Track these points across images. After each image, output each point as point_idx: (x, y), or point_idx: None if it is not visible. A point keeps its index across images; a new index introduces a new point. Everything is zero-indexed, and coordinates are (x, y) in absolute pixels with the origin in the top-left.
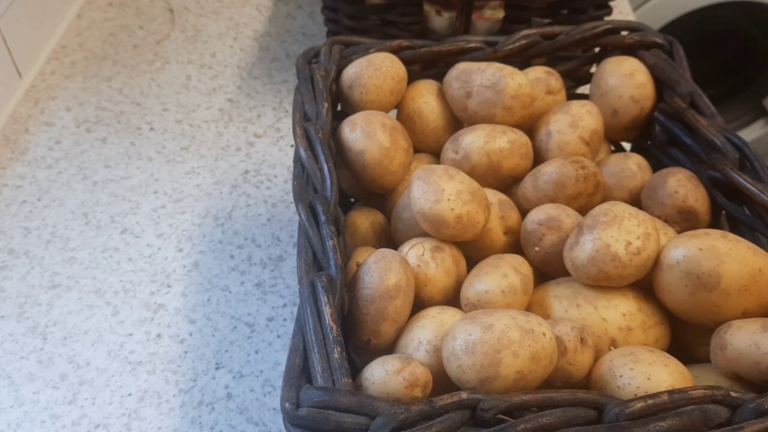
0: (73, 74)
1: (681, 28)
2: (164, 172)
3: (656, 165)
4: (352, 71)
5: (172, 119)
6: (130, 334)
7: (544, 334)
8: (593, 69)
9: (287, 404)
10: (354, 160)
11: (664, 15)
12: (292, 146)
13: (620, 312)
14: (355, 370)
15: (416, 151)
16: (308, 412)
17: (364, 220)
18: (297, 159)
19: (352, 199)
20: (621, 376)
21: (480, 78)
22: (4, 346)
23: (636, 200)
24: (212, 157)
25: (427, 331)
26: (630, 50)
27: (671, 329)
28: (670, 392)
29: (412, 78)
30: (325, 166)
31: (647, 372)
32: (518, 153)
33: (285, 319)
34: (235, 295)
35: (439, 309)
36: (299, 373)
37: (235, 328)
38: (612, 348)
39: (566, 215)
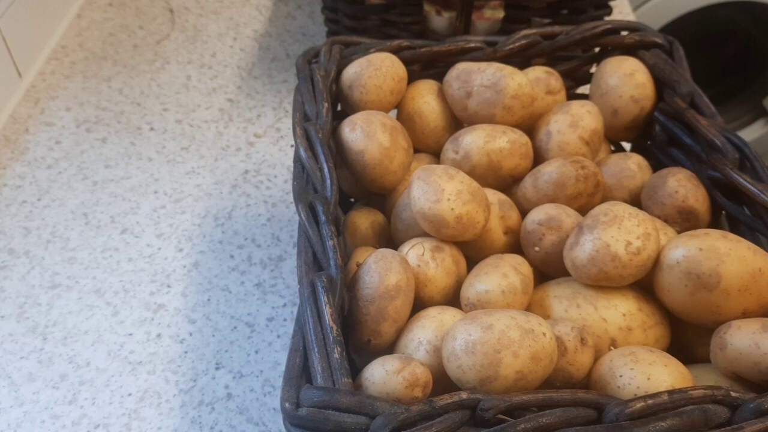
0: (73, 74)
1: (681, 28)
2: (164, 172)
3: (656, 165)
4: (352, 71)
5: (172, 119)
6: (130, 334)
7: (544, 334)
8: (593, 69)
9: (287, 404)
10: (354, 160)
11: (664, 15)
12: (292, 146)
13: (620, 312)
14: (355, 370)
15: (416, 151)
16: (308, 412)
17: (364, 220)
18: (297, 159)
19: (352, 199)
20: (621, 376)
21: (480, 78)
22: (4, 346)
23: (636, 200)
24: (212, 157)
25: (427, 331)
26: (630, 50)
27: (671, 329)
28: (670, 392)
29: (412, 78)
30: (325, 166)
31: (647, 372)
32: (518, 153)
33: (285, 319)
34: (235, 295)
35: (439, 309)
36: (299, 373)
37: (235, 328)
38: (612, 348)
39: (566, 215)
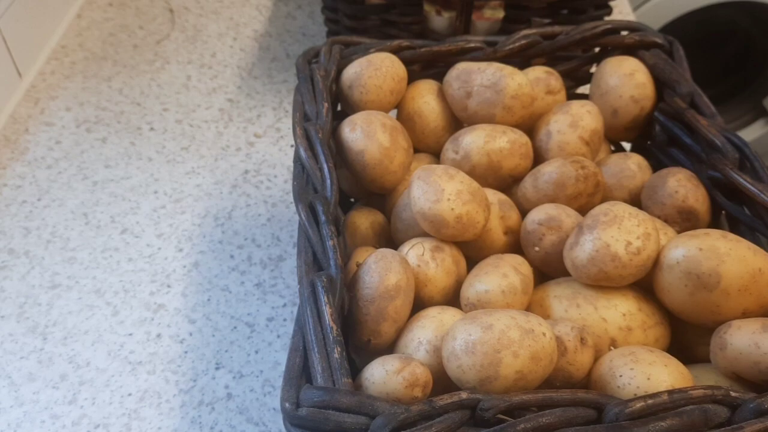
0: (73, 74)
1: (681, 28)
2: (164, 172)
3: (656, 165)
4: (352, 71)
5: (172, 119)
6: (130, 334)
7: (544, 334)
8: (593, 69)
9: (287, 404)
10: (354, 160)
11: (664, 15)
12: (292, 146)
13: (620, 312)
14: (355, 370)
15: (416, 151)
16: (308, 412)
17: (364, 220)
18: (297, 159)
19: (352, 199)
20: (621, 376)
21: (480, 78)
22: (4, 346)
23: (636, 200)
24: (212, 157)
25: (427, 331)
26: (630, 50)
27: (671, 329)
28: (670, 392)
29: (412, 78)
30: (325, 166)
31: (647, 372)
32: (518, 153)
33: (285, 319)
34: (235, 295)
35: (439, 309)
36: (299, 373)
37: (235, 328)
38: (612, 348)
39: (566, 215)
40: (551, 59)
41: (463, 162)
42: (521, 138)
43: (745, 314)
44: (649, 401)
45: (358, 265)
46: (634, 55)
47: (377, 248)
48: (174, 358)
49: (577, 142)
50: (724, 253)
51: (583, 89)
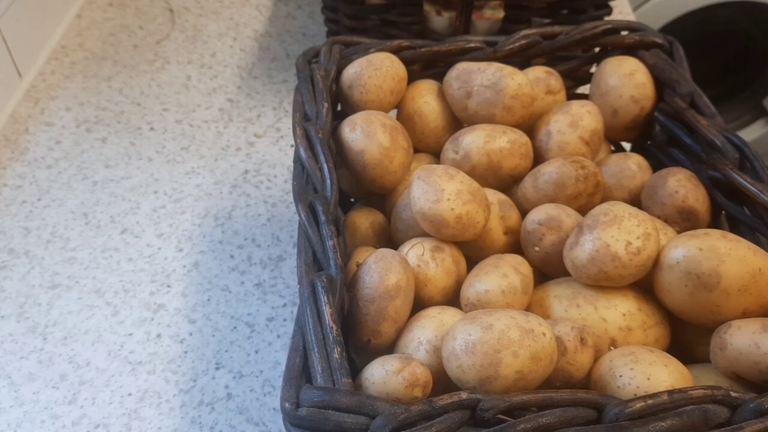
0: (73, 74)
1: (681, 28)
2: (164, 172)
3: (656, 165)
4: (352, 71)
5: (172, 119)
6: (130, 334)
7: (544, 334)
8: (593, 69)
9: (287, 404)
10: (354, 160)
11: (664, 15)
12: (292, 146)
13: (620, 312)
14: (355, 370)
15: (416, 151)
16: (308, 412)
17: (364, 220)
18: (297, 159)
19: (352, 199)
20: (621, 376)
21: (480, 78)
22: (4, 346)
23: (636, 200)
24: (212, 157)
25: (427, 331)
26: (630, 50)
27: (671, 329)
28: (670, 392)
29: (412, 78)
30: (325, 166)
31: (647, 372)
32: (518, 153)
33: (285, 319)
34: (235, 295)
35: (439, 309)
36: (299, 373)
37: (235, 328)
38: (612, 348)
39: (566, 215)
40: (551, 59)
41: (463, 162)
42: (521, 138)
43: (745, 314)
44: (649, 401)
45: (358, 265)
46: (634, 55)
47: (377, 248)
48: (174, 358)
49: (577, 142)
50: (724, 253)
51: (583, 89)
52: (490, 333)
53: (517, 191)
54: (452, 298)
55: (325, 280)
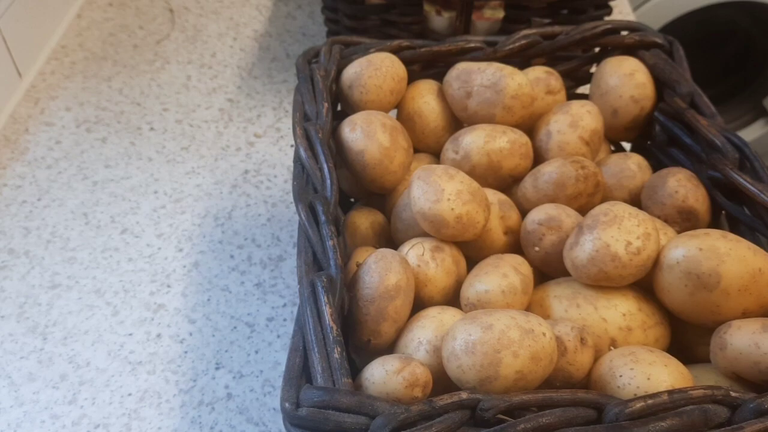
0: (73, 74)
1: (681, 28)
2: (164, 172)
3: (656, 165)
4: (352, 71)
5: (172, 119)
6: (130, 334)
7: (544, 334)
8: (593, 69)
9: (287, 404)
10: (354, 160)
11: (664, 15)
12: (292, 146)
13: (620, 312)
14: (355, 370)
15: (416, 151)
16: (308, 412)
17: (364, 220)
18: (297, 159)
19: (352, 199)
20: (621, 376)
21: (480, 78)
22: (4, 346)
23: (636, 200)
24: (212, 157)
25: (427, 331)
26: (630, 50)
27: (671, 329)
28: (670, 392)
29: (412, 78)
30: (325, 166)
31: (647, 372)
32: (518, 153)
33: (285, 319)
34: (235, 295)
35: (439, 309)
36: (299, 373)
37: (235, 328)
38: (612, 348)
39: (566, 215)
40: (551, 59)
41: (463, 162)
42: (521, 138)
43: (745, 314)
44: (649, 401)
45: (358, 265)
46: (634, 55)
47: (377, 248)
48: (174, 358)
49: (577, 142)
50: (724, 253)
51: (583, 89)
52: (490, 333)
53: (517, 191)
54: (452, 298)
55: (325, 280)
